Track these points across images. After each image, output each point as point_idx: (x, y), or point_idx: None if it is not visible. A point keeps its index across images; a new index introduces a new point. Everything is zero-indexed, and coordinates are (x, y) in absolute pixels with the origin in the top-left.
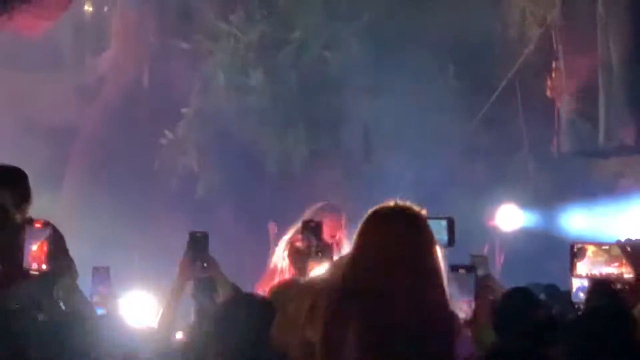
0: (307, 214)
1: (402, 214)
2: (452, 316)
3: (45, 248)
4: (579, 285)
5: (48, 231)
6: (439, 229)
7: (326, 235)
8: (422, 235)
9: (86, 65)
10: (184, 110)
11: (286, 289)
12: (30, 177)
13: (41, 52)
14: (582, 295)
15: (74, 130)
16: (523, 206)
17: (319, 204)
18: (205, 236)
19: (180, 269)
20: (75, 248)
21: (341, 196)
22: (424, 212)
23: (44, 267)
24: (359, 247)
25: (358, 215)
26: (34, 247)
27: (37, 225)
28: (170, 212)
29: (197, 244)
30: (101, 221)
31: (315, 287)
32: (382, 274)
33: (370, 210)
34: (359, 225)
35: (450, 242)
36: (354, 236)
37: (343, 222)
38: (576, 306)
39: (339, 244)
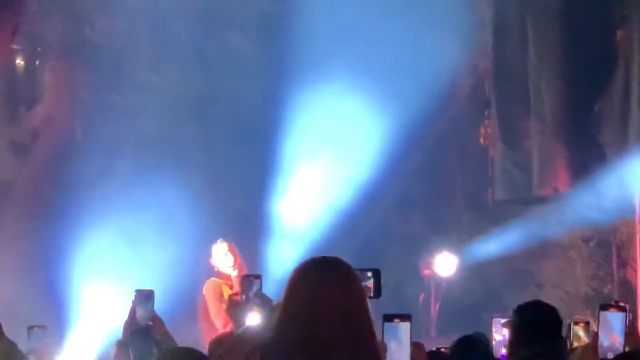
0: (214, 254)
1: (331, 265)
2: None
3: None
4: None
5: None
6: (364, 280)
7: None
8: (353, 286)
9: (19, 120)
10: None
11: (221, 343)
12: None
13: None
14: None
15: (8, 185)
16: (458, 255)
17: (222, 248)
18: (150, 294)
19: (126, 325)
20: (9, 305)
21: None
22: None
23: None
24: (288, 300)
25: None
26: None
27: None
28: (107, 268)
29: (144, 302)
30: (36, 277)
31: (248, 340)
32: (313, 326)
33: (299, 263)
34: (289, 278)
35: (376, 294)
36: (285, 289)
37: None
38: None
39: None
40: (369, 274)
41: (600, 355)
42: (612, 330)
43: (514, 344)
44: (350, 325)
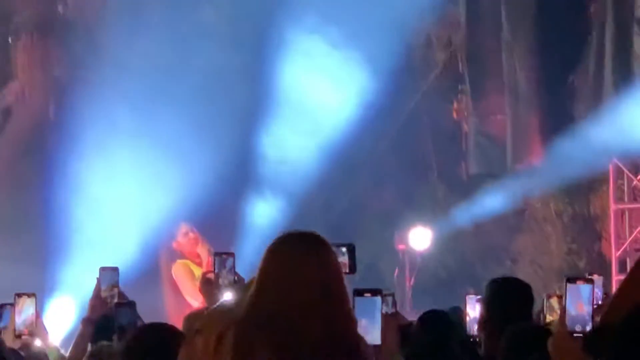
0: (179, 239)
1: (305, 239)
2: (361, 340)
3: None
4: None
5: None
6: (340, 256)
7: (191, 255)
8: (327, 259)
9: None
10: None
11: (194, 321)
12: None
13: None
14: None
15: None
16: (433, 229)
17: (183, 229)
18: (115, 270)
19: (92, 305)
20: None
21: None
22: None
23: None
24: (263, 275)
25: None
26: None
27: None
28: (79, 245)
29: (108, 278)
30: (8, 258)
31: (222, 316)
32: (288, 300)
33: (274, 239)
34: (264, 253)
35: (352, 269)
36: (259, 264)
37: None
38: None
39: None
40: (344, 249)
41: (569, 327)
42: (580, 301)
43: (484, 320)
44: (326, 301)
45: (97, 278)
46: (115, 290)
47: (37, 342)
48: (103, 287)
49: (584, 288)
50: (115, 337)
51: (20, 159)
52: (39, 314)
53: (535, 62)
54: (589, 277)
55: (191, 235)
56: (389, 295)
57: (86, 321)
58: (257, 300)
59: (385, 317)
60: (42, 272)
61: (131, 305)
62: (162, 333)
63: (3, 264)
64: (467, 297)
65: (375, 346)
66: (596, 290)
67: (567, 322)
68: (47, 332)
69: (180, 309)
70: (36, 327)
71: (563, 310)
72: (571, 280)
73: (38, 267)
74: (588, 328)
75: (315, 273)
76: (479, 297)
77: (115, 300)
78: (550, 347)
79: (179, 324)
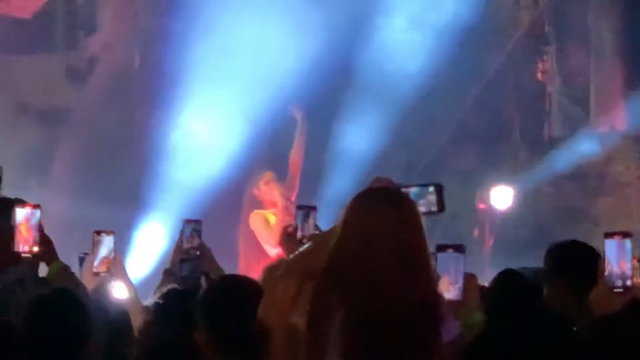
0: (261, 186)
1: (389, 195)
2: (439, 300)
3: (35, 230)
4: None
5: (38, 213)
6: (426, 195)
7: (270, 204)
8: (410, 217)
9: (77, 47)
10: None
11: (274, 271)
12: (20, 160)
13: (32, 33)
14: None
15: (65, 112)
16: (514, 189)
17: (267, 176)
18: (198, 223)
19: (174, 255)
20: (64, 230)
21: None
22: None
23: (35, 249)
24: (344, 230)
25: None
26: (24, 230)
27: (28, 207)
28: (162, 195)
29: (191, 231)
30: (91, 203)
31: (302, 270)
32: (368, 259)
33: (357, 192)
34: (345, 207)
35: (440, 207)
36: (340, 217)
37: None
38: None
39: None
40: (431, 188)
41: (609, 284)
42: (621, 257)
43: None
44: (405, 255)
45: (180, 230)
46: (197, 241)
47: (115, 282)
48: (185, 239)
49: (624, 244)
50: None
51: (103, 108)
52: (117, 252)
53: (621, 23)
54: (629, 232)
55: (273, 184)
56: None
57: (168, 272)
58: (336, 254)
59: (467, 274)
60: (131, 213)
61: (194, 260)
62: (242, 286)
63: (96, 206)
64: None
65: (455, 302)
66: None
67: (608, 277)
68: (126, 272)
69: (255, 257)
70: (114, 266)
71: (603, 266)
72: (609, 235)
73: (126, 209)
74: (629, 283)
75: (395, 229)
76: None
77: (198, 253)
78: (592, 303)
79: (250, 271)
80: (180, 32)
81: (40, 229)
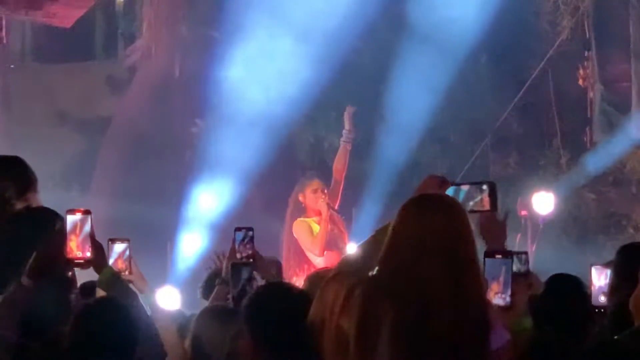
0: (307, 193)
1: (438, 203)
2: (488, 309)
3: (87, 237)
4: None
5: (89, 219)
6: (480, 194)
7: (314, 212)
8: (460, 225)
9: (117, 55)
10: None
11: (323, 277)
12: (62, 168)
13: (72, 42)
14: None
15: (105, 120)
16: (555, 195)
17: (315, 185)
18: (250, 230)
19: (227, 263)
20: (106, 237)
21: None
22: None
23: (87, 255)
24: (394, 237)
25: (395, 208)
26: (75, 236)
27: (78, 213)
28: (203, 202)
29: (243, 239)
30: (132, 211)
31: (353, 268)
32: (418, 266)
33: (407, 200)
34: (396, 215)
35: (492, 207)
36: (391, 225)
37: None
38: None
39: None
40: (485, 186)
41: None
42: None
43: (612, 285)
44: (455, 263)
45: (232, 238)
46: (250, 248)
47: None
48: (238, 247)
49: None
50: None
51: (143, 117)
52: (132, 258)
53: None
54: None
55: (320, 194)
56: (523, 253)
57: (223, 282)
58: (387, 261)
59: (516, 278)
60: (172, 220)
61: (245, 266)
62: (286, 293)
63: (137, 213)
64: (594, 268)
65: (504, 309)
66: None
67: None
68: (143, 279)
69: (297, 263)
70: (129, 272)
71: None
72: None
73: (167, 216)
74: None
75: (445, 236)
76: (606, 263)
77: (251, 260)
78: (631, 306)
79: (291, 277)
80: (219, 41)
81: (91, 235)
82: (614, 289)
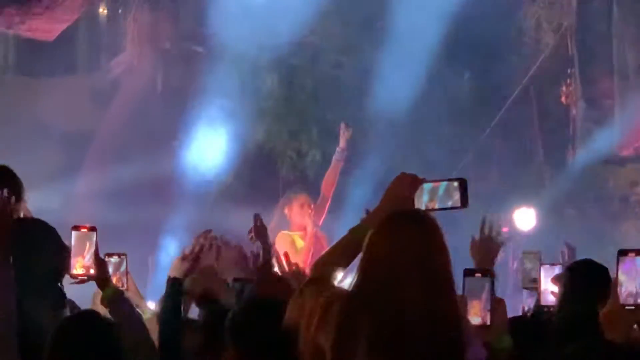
0: (294, 207)
1: (413, 218)
2: (464, 324)
3: (91, 253)
4: None
5: (94, 236)
6: (451, 190)
7: (298, 227)
8: (433, 238)
9: (100, 69)
10: (198, 113)
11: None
12: (44, 182)
13: (54, 55)
14: None
15: (88, 134)
16: (537, 212)
17: (302, 199)
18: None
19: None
20: None
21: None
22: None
23: (91, 271)
24: (368, 253)
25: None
26: (80, 253)
27: (83, 229)
28: (185, 216)
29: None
30: (114, 226)
31: (327, 282)
32: (393, 285)
33: (384, 217)
34: (370, 231)
35: (463, 203)
36: (367, 241)
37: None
38: None
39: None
40: (456, 183)
41: (622, 300)
42: (634, 274)
43: (562, 300)
44: (431, 277)
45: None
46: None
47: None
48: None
49: (636, 261)
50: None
51: (126, 131)
52: (129, 273)
53: None
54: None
55: (307, 209)
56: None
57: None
58: (363, 278)
59: (496, 297)
60: (153, 236)
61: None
62: (275, 310)
63: (114, 235)
64: (542, 268)
65: (483, 327)
66: None
67: (621, 295)
68: (139, 293)
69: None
70: (126, 287)
71: (616, 283)
72: (623, 252)
73: (148, 232)
74: None
75: (420, 254)
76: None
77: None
78: (602, 319)
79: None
80: (202, 56)
81: (95, 251)
82: (562, 304)
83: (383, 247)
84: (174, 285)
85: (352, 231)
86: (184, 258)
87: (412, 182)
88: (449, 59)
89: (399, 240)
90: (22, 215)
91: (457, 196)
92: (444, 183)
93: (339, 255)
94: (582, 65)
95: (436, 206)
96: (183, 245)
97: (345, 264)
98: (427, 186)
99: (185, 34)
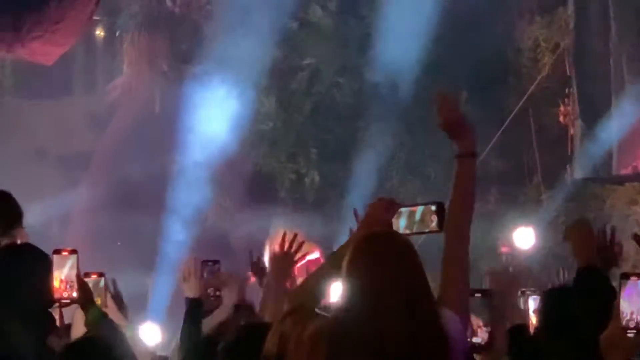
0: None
1: (390, 240)
2: (448, 340)
3: (73, 276)
4: None
5: (74, 259)
6: (429, 214)
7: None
8: (413, 261)
9: (97, 92)
10: (196, 135)
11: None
12: (42, 204)
13: (52, 78)
14: None
15: (86, 156)
16: (536, 232)
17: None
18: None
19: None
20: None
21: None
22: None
23: (74, 295)
24: (349, 285)
25: None
26: (63, 276)
27: (64, 253)
28: (183, 238)
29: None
30: (112, 246)
31: (309, 312)
32: (374, 317)
33: (356, 240)
34: (350, 253)
35: (440, 226)
36: (346, 264)
37: None
38: None
39: None
40: (433, 207)
41: (623, 324)
42: (635, 297)
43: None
44: (411, 300)
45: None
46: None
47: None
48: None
49: (639, 285)
50: None
51: (124, 152)
52: (108, 291)
53: None
54: None
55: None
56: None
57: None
58: (348, 307)
59: (495, 318)
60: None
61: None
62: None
63: (110, 253)
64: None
65: (482, 346)
66: None
67: (622, 319)
68: (118, 312)
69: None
70: (105, 305)
71: (618, 306)
72: (625, 276)
73: (146, 250)
74: None
75: (401, 276)
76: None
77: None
78: (602, 343)
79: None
80: (199, 76)
81: (77, 274)
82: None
83: (361, 278)
84: (194, 305)
85: (329, 259)
86: (184, 279)
87: (389, 207)
88: (446, 79)
89: (380, 263)
90: (18, 242)
91: (434, 220)
92: (421, 207)
93: (318, 284)
94: (579, 85)
95: (414, 230)
96: (180, 265)
97: (324, 292)
98: (404, 210)
99: (183, 56)
